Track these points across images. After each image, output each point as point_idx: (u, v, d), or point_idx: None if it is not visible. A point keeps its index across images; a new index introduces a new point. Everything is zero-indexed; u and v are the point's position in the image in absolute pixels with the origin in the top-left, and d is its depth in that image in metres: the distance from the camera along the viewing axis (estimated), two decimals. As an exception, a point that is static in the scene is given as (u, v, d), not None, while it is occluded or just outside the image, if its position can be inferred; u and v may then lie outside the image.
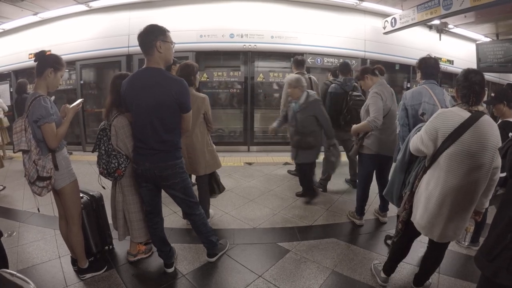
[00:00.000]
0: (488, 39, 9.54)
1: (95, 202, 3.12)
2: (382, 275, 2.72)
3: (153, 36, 2.40)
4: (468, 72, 2.15)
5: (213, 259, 3.07)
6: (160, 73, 2.46)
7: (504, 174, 2.93)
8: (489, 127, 2.02)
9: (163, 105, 2.43)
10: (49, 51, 2.62)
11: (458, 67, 9.50)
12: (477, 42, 9.30)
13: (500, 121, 3.14)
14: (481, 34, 9.48)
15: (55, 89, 2.61)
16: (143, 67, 2.52)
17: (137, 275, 2.90)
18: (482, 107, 2.12)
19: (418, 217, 2.29)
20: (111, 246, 3.30)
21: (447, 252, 3.25)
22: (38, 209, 2.70)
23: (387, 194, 2.87)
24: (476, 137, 1.99)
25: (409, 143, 2.42)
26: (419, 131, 2.32)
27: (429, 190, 2.20)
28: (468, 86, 2.09)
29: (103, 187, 2.97)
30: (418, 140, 2.23)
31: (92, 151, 2.89)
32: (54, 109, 2.50)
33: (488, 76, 10.34)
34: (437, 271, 2.86)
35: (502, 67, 8.66)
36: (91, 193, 3.15)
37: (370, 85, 3.60)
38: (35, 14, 7.91)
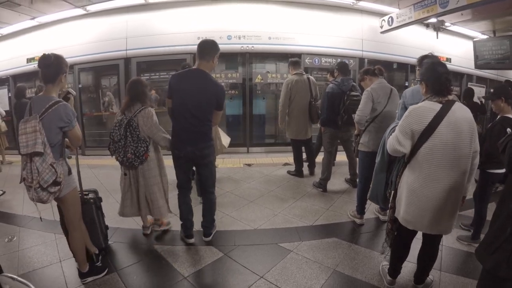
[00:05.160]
0: (485, 36, 9.55)
1: (98, 200, 3.22)
2: (388, 277, 2.71)
3: (214, 50, 3.11)
4: (435, 65, 2.23)
5: (209, 238, 3.47)
6: (208, 77, 3.10)
7: (503, 170, 2.94)
8: (461, 113, 2.09)
9: (207, 102, 3.08)
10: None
11: (456, 65, 9.51)
12: (474, 39, 9.30)
13: (499, 116, 3.14)
14: (478, 32, 9.49)
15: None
16: (195, 67, 3.15)
17: (138, 278, 2.89)
18: (451, 96, 2.16)
19: (402, 212, 2.31)
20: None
21: (448, 249, 3.27)
22: (40, 218, 2.68)
23: (372, 197, 2.89)
24: (451, 126, 2.04)
25: (386, 144, 2.43)
26: (394, 131, 2.33)
27: (409, 184, 2.23)
28: (439, 77, 2.15)
29: (125, 174, 3.40)
30: (394, 141, 2.24)
31: (113, 144, 3.25)
32: None
33: (486, 73, 10.36)
34: (438, 269, 2.86)
35: (499, 64, 8.65)
36: (93, 191, 3.27)
37: (369, 85, 3.70)
38: (33, 18, 7.89)
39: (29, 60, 8.49)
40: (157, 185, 3.42)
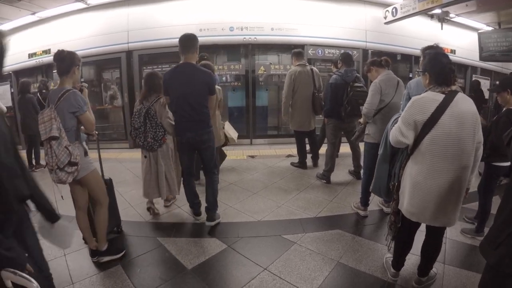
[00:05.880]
0: (490, 28, 9.42)
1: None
2: (392, 270, 2.70)
3: (196, 42, 3.40)
4: (438, 56, 2.22)
5: (213, 223, 3.65)
6: (196, 67, 3.41)
7: (508, 163, 2.91)
8: (465, 104, 2.07)
9: (200, 91, 3.36)
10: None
11: (460, 57, 9.41)
12: (479, 31, 9.17)
13: (504, 109, 3.11)
14: (483, 23, 9.35)
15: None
16: (182, 62, 3.39)
17: (142, 271, 2.90)
18: (455, 86, 2.14)
19: (406, 204, 2.30)
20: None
21: (451, 242, 3.26)
22: (62, 196, 2.72)
23: (375, 190, 2.87)
24: (454, 117, 2.02)
25: (389, 136, 2.41)
26: (396, 123, 2.31)
27: (413, 176, 2.22)
28: (443, 68, 2.14)
29: (145, 156, 3.74)
30: (397, 133, 2.22)
31: (134, 131, 3.67)
32: None
33: (490, 65, 10.24)
34: (442, 261, 2.86)
35: (504, 56, 8.56)
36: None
37: (376, 77, 3.67)
38: (33, 13, 7.85)
39: (31, 55, 8.49)
40: (172, 166, 3.82)
